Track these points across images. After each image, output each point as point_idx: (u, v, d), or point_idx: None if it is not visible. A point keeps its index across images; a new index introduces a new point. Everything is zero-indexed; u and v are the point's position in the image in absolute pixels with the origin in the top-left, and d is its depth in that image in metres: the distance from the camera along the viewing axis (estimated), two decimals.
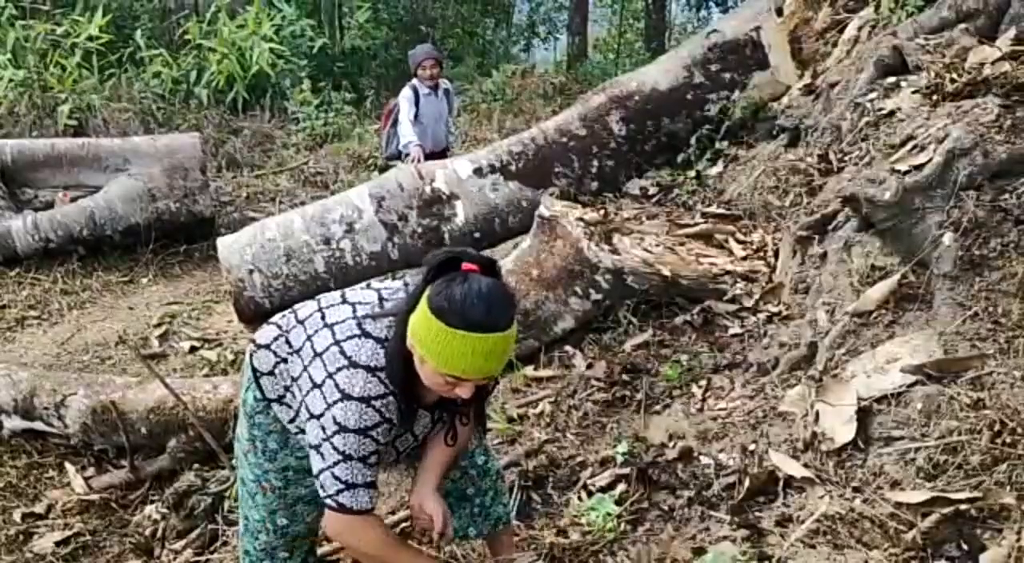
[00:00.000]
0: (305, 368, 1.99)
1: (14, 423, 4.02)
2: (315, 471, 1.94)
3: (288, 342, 2.07)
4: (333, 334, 1.96)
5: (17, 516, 3.68)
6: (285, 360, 2.07)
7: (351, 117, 10.66)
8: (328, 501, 1.93)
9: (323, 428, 1.89)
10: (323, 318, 2.02)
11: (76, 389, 3.98)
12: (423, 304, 1.78)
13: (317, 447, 1.91)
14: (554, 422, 3.33)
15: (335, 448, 1.88)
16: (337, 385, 1.88)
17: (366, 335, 1.92)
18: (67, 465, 3.95)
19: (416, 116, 6.08)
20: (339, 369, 1.89)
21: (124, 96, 9.48)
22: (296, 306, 2.20)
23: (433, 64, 6.10)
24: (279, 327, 2.13)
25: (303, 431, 2.03)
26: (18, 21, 9.80)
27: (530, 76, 13.77)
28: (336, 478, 1.90)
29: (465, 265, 1.80)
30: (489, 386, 2.12)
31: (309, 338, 2.01)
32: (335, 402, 1.87)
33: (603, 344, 3.78)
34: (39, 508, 3.73)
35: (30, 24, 9.72)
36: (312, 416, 1.93)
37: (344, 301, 2.06)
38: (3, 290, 5.85)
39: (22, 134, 8.15)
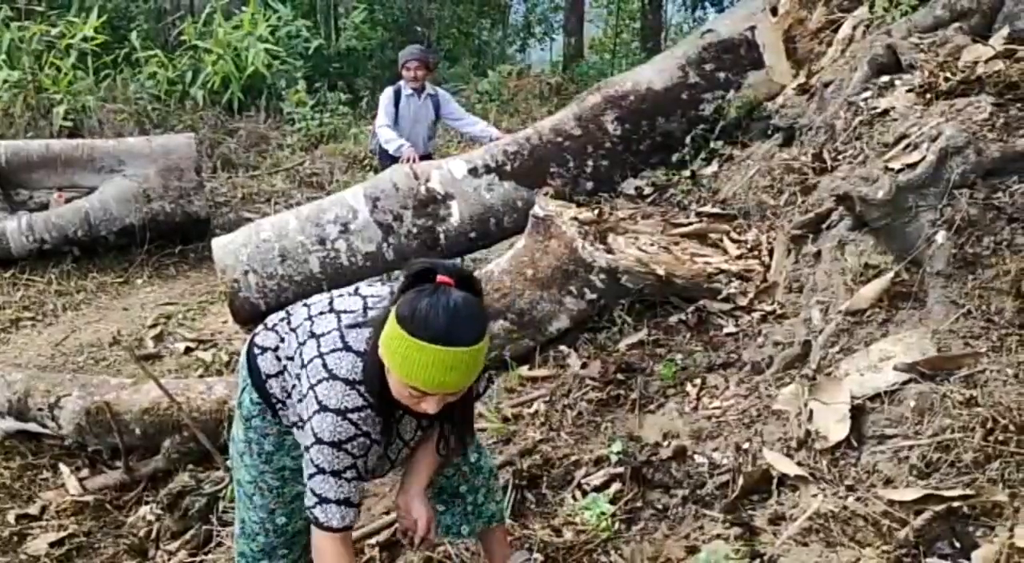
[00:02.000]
0: (296, 377, 2.01)
1: (8, 424, 4.01)
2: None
3: (285, 350, 2.09)
4: (318, 346, 1.96)
5: (11, 517, 3.66)
6: (285, 367, 2.09)
7: (347, 118, 10.64)
8: (306, 512, 1.94)
9: (306, 439, 1.91)
10: (311, 327, 2.02)
11: (70, 390, 3.96)
12: (392, 312, 1.77)
13: (303, 455, 1.93)
14: (548, 421, 3.33)
15: (311, 460, 1.89)
16: (316, 397, 1.88)
17: (347, 348, 1.92)
18: (61, 466, 3.94)
19: (396, 118, 6.03)
20: (320, 381, 1.89)
21: (119, 97, 9.48)
22: (289, 309, 2.20)
23: (418, 66, 6.02)
24: (276, 333, 2.13)
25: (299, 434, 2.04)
26: (13, 22, 9.78)
27: (526, 76, 13.76)
28: (311, 491, 1.90)
29: (440, 277, 1.78)
30: (478, 389, 2.10)
31: (299, 347, 2.02)
32: (313, 414, 1.88)
33: (598, 343, 3.78)
34: (33, 509, 3.71)
35: (25, 25, 9.69)
36: (300, 425, 1.95)
37: (331, 309, 2.05)
38: None
39: (17, 135, 8.14)
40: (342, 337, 1.95)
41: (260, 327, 2.22)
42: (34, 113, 8.64)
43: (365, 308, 2.02)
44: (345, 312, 2.02)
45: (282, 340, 2.10)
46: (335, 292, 2.17)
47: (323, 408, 1.86)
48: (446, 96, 6.36)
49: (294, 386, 2.05)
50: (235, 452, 2.32)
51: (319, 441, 1.86)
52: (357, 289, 2.14)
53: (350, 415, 1.86)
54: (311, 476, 1.90)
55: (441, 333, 1.71)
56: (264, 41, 10.64)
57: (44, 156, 6.55)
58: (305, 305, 2.14)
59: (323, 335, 1.98)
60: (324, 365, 1.90)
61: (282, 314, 2.19)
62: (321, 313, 2.05)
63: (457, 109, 6.36)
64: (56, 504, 3.74)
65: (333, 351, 1.92)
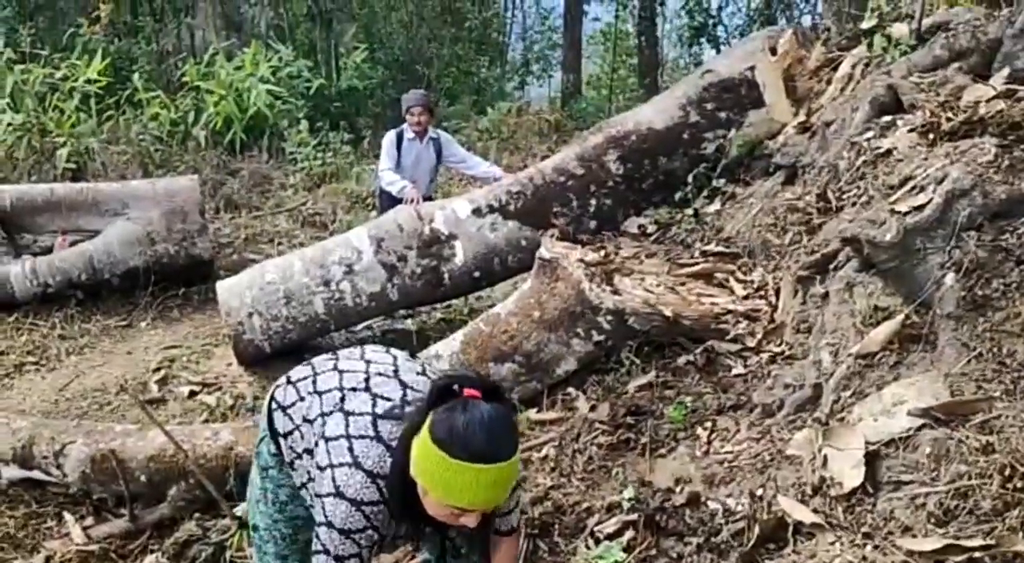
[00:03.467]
0: (316, 444, 1.97)
1: (12, 472, 3.97)
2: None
3: (303, 411, 2.06)
4: (347, 426, 1.92)
5: None
6: (298, 427, 2.06)
7: (349, 157, 10.69)
8: None
9: (317, 514, 1.90)
10: (342, 401, 1.99)
11: (75, 437, 3.94)
12: (425, 433, 1.73)
13: (314, 531, 1.91)
14: (559, 467, 3.30)
15: (319, 538, 1.87)
16: (334, 479, 1.85)
17: (379, 439, 1.89)
18: (66, 515, 3.89)
19: (398, 162, 6.07)
20: (342, 464, 1.86)
21: (122, 138, 9.54)
22: (316, 366, 2.16)
23: (421, 111, 6.06)
24: (297, 391, 2.11)
25: (310, 499, 2.03)
26: (16, 65, 9.89)
27: (525, 113, 13.85)
28: None
29: (467, 391, 1.76)
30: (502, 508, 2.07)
31: (323, 415, 1.99)
32: (327, 494, 1.86)
33: (606, 386, 3.77)
34: (38, 560, 3.66)
35: (28, 68, 9.81)
36: (313, 495, 1.94)
37: (367, 388, 2.01)
38: (1, 336, 5.81)
39: (21, 178, 8.18)
40: (375, 426, 1.91)
41: (283, 379, 2.21)
42: (38, 156, 8.69)
43: (404, 400, 1.97)
44: (381, 398, 1.98)
45: (302, 399, 2.08)
46: (372, 360, 2.12)
47: (339, 494, 1.84)
48: (448, 139, 6.40)
49: (307, 449, 2.02)
50: (251, 498, 2.33)
51: (329, 524, 1.84)
52: (396, 368, 2.09)
53: (364, 508, 1.84)
54: (316, 553, 1.88)
55: (482, 451, 1.68)
56: (266, 81, 10.76)
57: (48, 200, 6.56)
58: (337, 371, 2.09)
59: (354, 414, 1.94)
60: (351, 449, 1.87)
61: (307, 371, 2.16)
62: (355, 390, 2.01)
63: (459, 151, 6.40)
64: (61, 554, 3.69)
65: (362, 437, 1.89)
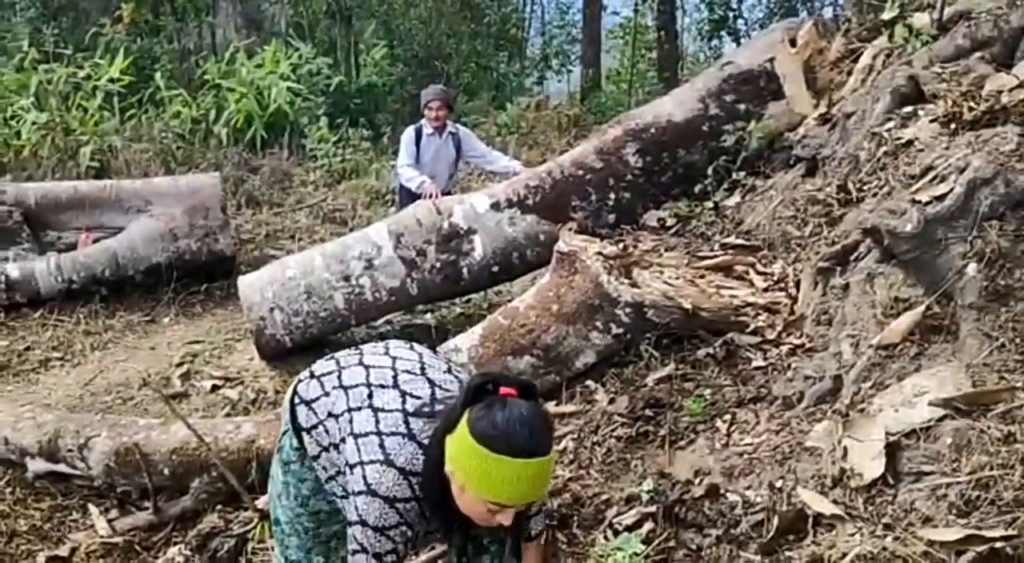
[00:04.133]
0: (343, 440, 1.98)
1: (38, 465, 4.04)
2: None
3: (328, 406, 2.06)
4: (377, 422, 1.93)
5: (41, 559, 3.67)
6: (323, 422, 2.06)
7: (368, 153, 10.73)
8: None
9: (348, 512, 1.90)
10: (370, 397, 1.99)
11: (99, 431, 3.99)
12: (463, 430, 1.74)
13: (348, 525, 1.92)
14: (577, 459, 3.30)
15: (354, 537, 1.88)
16: (365, 477, 1.86)
17: (411, 437, 1.89)
18: (91, 507, 3.95)
19: (417, 158, 6.07)
20: (372, 461, 1.87)
21: (145, 136, 9.62)
22: (341, 361, 2.16)
23: (440, 106, 6.05)
24: (322, 386, 2.11)
25: (337, 492, 2.05)
26: (40, 65, 10.01)
27: (544, 108, 13.82)
28: None
29: (503, 389, 1.77)
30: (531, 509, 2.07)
31: (350, 411, 1.99)
32: (359, 492, 1.86)
33: (625, 378, 3.76)
34: (63, 551, 3.72)
35: (52, 68, 9.92)
36: (343, 491, 1.95)
37: (395, 385, 2.01)
38: (27, 332, 5.90)
39: (45, 176, 8.28)
40: (406, 423, 1.91)
41: (306, 373, 2.21)
42: (62, 154, 8.79)
43: (433, 398, 1.97)
44: (411, 395, 1.98)
45: (327, 394, 2.08)
46: (398, 356, 2.13)
47: (372, 492, 1.84)
48: (467, 134, 6.40)
49: (332, 444, 2.03)
50: (273, 492, 2.33)
51: (363, 523, 1.85)
52: (423, 366, 2.09)
53: (397, 504, 1.85)
54: (354, 552, 1.88)
55: (524, 446, 1.69)
56: (286, 79, 10.81)
57: (72, 197, 6.65)
58: (364, 366, 2.09)
59: (384, 410, 1.94)
60: (382, 446, 1.88)
61: (331, 366, 2.16)
62: (383, 386, 2.01)
63: (479, 146, 6.39)
64: (86, 546, 3.74)
65: (394, 434, 1.89)
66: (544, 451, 1.73)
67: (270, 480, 2.35)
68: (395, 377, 2.04)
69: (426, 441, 1.87)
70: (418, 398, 1.97)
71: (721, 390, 3.42)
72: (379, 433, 1.90)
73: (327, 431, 2.05)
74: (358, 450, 1.90)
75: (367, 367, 2.08)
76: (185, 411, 4.53)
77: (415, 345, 2.24)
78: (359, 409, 1.97)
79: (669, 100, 5.23)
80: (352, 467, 1.90)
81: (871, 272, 3.13)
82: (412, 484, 1.86)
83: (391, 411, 1.94)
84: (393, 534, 1.86)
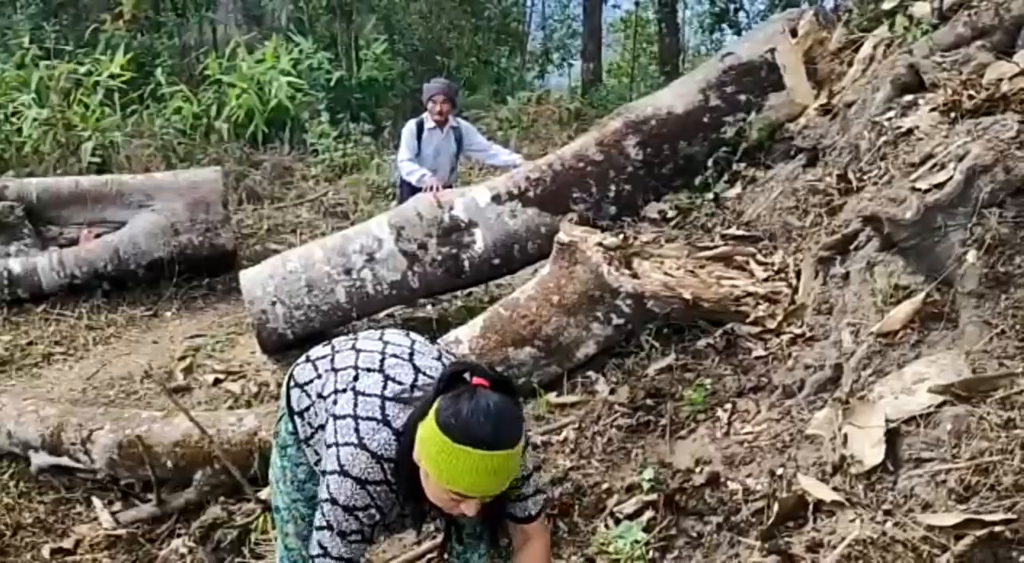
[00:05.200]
0: (324, 421, 2.01)
1: (42, 459, 4.06)
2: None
3: (318, 387, 2.08)
4: (355, 405, 1.94)
5: (46, 552, 3.70)
6: (313, 404, 2.09)
7: (369, 148, 10.74)
8: (312, 550, 1.94)
9: (321, 490, 1.92)
10: (355, 379, 2.01)
11: (102, 424, 4.01)
12: (431, 417, 1.75)
13: (319, 502, 1.94)
14: (578, 449, 3.31)
15: (323, 513, 1.89)
16: (339, 457, 1.88)
17: (385, 422, 1.90)
18: (94, 500, 3.97)
19: (419, 151, 6.07)
20: (347, 444, 1.88)
21: (146, 132, 9.62)
22: (336, 343, 2.18)
23: (443, 100, 6.03)
24: (315, 368, 2.13)
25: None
26: (42, 62, 10.02)
27: (545, 102, 13.82)
28: (317, 542, 1.91)
29: (475, 379, 1.77)
30: (531, 510, 2.08)
31: (336, 392, 2.01)
32: (332, 472, 1.88)
33: (626, 369, 3.76)
34: (67, 543, 3.74)
35: (53, 64, 9.93)
36: (322, 472, 1.95)
37: (381, 369, 2.03)
38: (29, 327, 5.92)
39: (47, 172, 8.28)
40: (382, 408, 1.93)
41: (303, 358, 2.23)
42: (63, 150, 8.79)
43: (414, 384, 1.99)
44: (392, 380, 1.99)
45: (319, 376, 2.10)
46: (389, 341, 2.14)
47: (344, 473, 1.86)
48: (468, 127, 6.39)
49: (320, 426, 2.05)
50: (273, 478, 2.36)
51: (333, 501, 1.87)
52: (412, 352, 2.10)
53: (368, 487, 1.87)
54: (319, 528, 1.90)
55: (484, 438, 1.69)
56: (287, 74, 10.80)
57: (74, 193, 6.67)
58: (355, 350, 2.11)
59: (364, 395, 1.96)
60: (356, 430, 1.89)
61: (326, 350, 2.18)
62: (368, 370, 2.03)
63: (480, 140, 6.39)
64: (90, 538, 3.77)
65: (369, 419, 1.91)
66: (505, 445, 1.72)
67: (270, 467, 2.37)
68: (382, 361, 2.06)
69: (400, 427, 1.89)
70: (400, 383, 1.99)
71: (722, 380, 3.43)
72: (356, 416, 1.92)
73: (316, 413, 2.08)
74: (336, 432, 1.92)
75: (358, 351, 2.11)
76: (187, 405, 4.54)
77: (411, 333, 2.25)
78: (343, 391, 2.00)
79: (669, 92, 5.22)
80: (329, 447, 1.92)
81: (871, 260, 3.12)
82: (385, 468, 1.87)
83: (370, 395, 1.96)
84: (362, 516, 1.88)
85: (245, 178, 9.32)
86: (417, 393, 1.95)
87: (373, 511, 1.88)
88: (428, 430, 1.75)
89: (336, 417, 1.95)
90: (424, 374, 2.03)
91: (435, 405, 1.76)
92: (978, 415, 2.35)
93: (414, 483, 1.84)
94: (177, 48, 12.57)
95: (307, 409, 2.11)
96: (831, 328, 3.26)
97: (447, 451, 1.71)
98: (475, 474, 1.71)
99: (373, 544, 1.98)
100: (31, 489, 4.05)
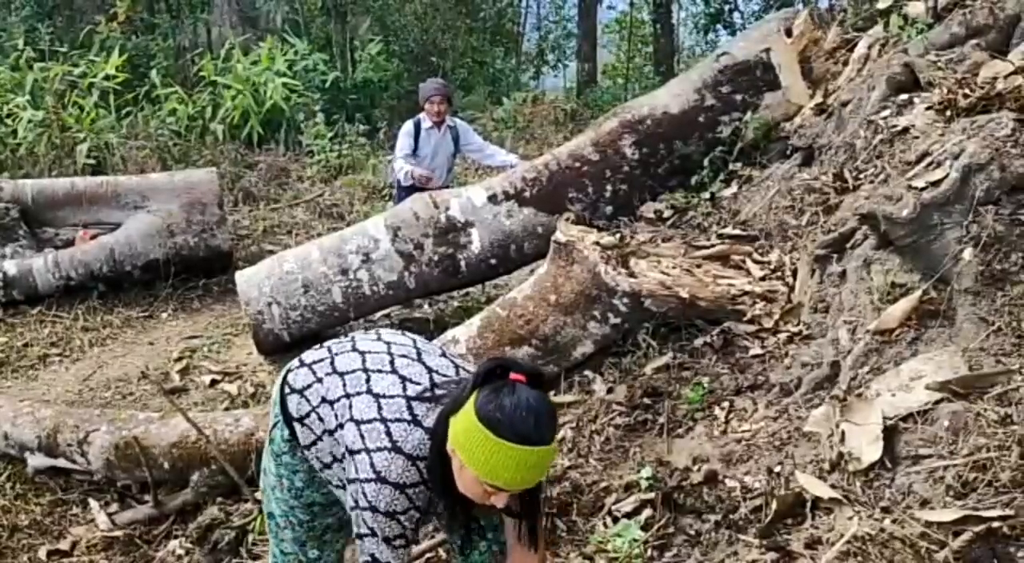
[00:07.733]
0: (340, 426, 1.98)
1: (38, 460, 4.04)
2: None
3: (321, 392, 2.06)
4: (379, 408, 1.93)
5: (42, 554, 3.68)
6: (316, 410, 2.06)
7: (364, 149, 10.72)
8: (362, 558, 1.94)
9: (355, 498, 1.90)
10: (368, 382, 1.99)
11: (99, 425, 3.99)
12: (470, 411, 1.75)
13: (352, 509, 1.93)
14: (576, 448, 3.32)
15: (364, 521, 1.89)
16: (373, 464, 1.87)
17: (416, 422, 1.90)
18: (91, 501, 3.96)
19: (415, 151, 6.08)
20: (380, 449, 1.88)
21: (141, 134, 9.61)
22: (333, 348, 2.15)
23: (441, 100, 6.04)
24: (313, 373, 2.10)
25: (333, 481, 2.05)
26: (36, 63, 10.00)
27: (541, 103, 13.83)
28: (364, 550, 1.92)
29: (513, 375, 1.78)
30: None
31: (348, 396, 1.99)
32: (368, 480, 1.87)
33: (623, 368, 3.77)
34: (64, 545, 3.73)
35: (48, 66, 9.92)
36: (347, 481, 1.94)
37: (393, 370, 2.02)
38: (25, 328, 5.90)
39: (42, 173, 8.27)
40: (410, 408, 1.92)
41: (295, 362, 2.19)
42: (58, 151, 8.78)
43: (432, 384, 1.99)
44: (410, 381, 1.99)
45: (319, 381, 2.07)
46: (392, 342, 2.13)
47: (382, 480, 1.86)
48: (465, 127, 6.39)
49: (327, 431, 2.02)
50: (266, 485, 2.32)
51: (374, 509, 1.86)
52: (418, 352, 2.10)
53: (408, 490, 1.87)
54: (362, 536, 1.90)
55: (527, 433, 1.71)
56: (282, 75, 10.80)
57: (69, 194, 6.65)
58: (358, 352, 2.09)
59: (385, 397, 1.95)
60: (388, 433, 1.89)
61: (322, 353, 2.15)
62: (380, 371, 2.02)
63: (477, 140, 6.39)
64: (86, 540, 3.76)
65: (399, 421, 1.90)
66: (547, 441, 1.74)
67: (262, 474, 2.34)
68: (392, 362, 2.04)
69: (430, 425, 1.88)
70: (418, 383, 1.98)
71: (719, 378, 3.44)
72: (383, 419, 1.91)
73: (321, 418, 2.05)
74: (361, 437, 1.90)
75: (362, 353, 2.08)
76: (184, 406, 4.53)
77: (405, 332, 2.25)
78: (358, 394, 1.97)
79: (665, 92, 5.22)
80: (354, 453, 1.90)
81: (867, 259, 3.13)
82: (420, 469, 1.87)
83: (393, 397, 1.94)
84: (403, 519, 1.88)
85: (241, 179, 9.29)
86: (438, 391, 1.95)
87: (413, 512, 1.89)
88: (467, 424, 1.75)
89: (359, 422, 1.93)
90: (437, 372, 2.03)
91: (473, 399, 1.76)
92: (975, 412, 2.36)
93: (445, 477, 1.85)
94: (172, 50, 12.54)
95: (307, 415, 2.08)
96: (828, 326, 3.26)
97: (489, 446, 1.71)
98: (516, 468, 1.72)
99: (417, 544, 1.98)
100: (27, 491, 4.04)
